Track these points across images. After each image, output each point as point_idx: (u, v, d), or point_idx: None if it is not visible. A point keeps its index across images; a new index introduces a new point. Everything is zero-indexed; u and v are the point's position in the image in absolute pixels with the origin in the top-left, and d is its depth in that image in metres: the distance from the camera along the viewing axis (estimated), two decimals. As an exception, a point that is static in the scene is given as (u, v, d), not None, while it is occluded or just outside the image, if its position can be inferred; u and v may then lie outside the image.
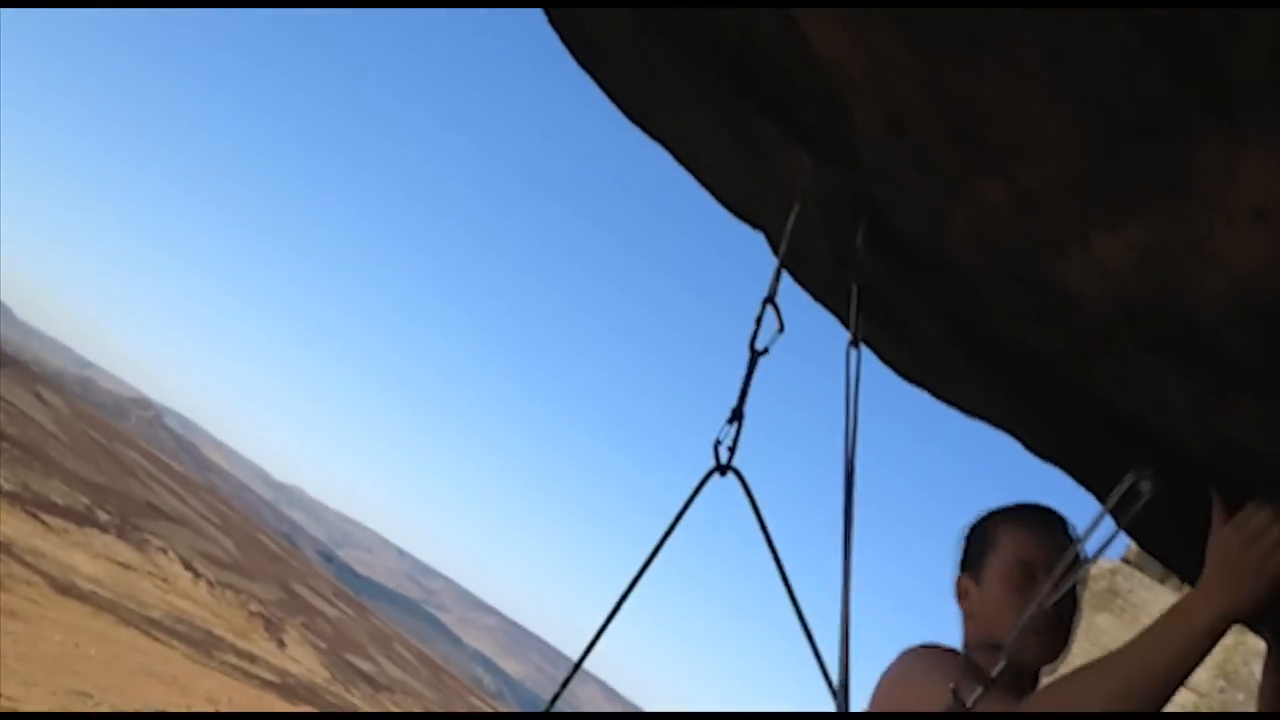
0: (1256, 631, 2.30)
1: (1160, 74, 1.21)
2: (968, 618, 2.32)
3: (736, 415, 2.41)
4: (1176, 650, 1.79)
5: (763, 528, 2.40)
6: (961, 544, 2.41)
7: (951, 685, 1.92)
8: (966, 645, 2.29)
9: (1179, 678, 1.81)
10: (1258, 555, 1.69)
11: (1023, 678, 2.14)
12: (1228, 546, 1.73)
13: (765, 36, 1.93)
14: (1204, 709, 7.27)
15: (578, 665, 2.52)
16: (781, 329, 2.42)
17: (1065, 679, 1.96)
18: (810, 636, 2.27)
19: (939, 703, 1.96)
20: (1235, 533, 1.73)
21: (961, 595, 2.34)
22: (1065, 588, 2.03)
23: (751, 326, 2.43)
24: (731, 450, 2.42)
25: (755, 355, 2.40)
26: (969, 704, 1.89)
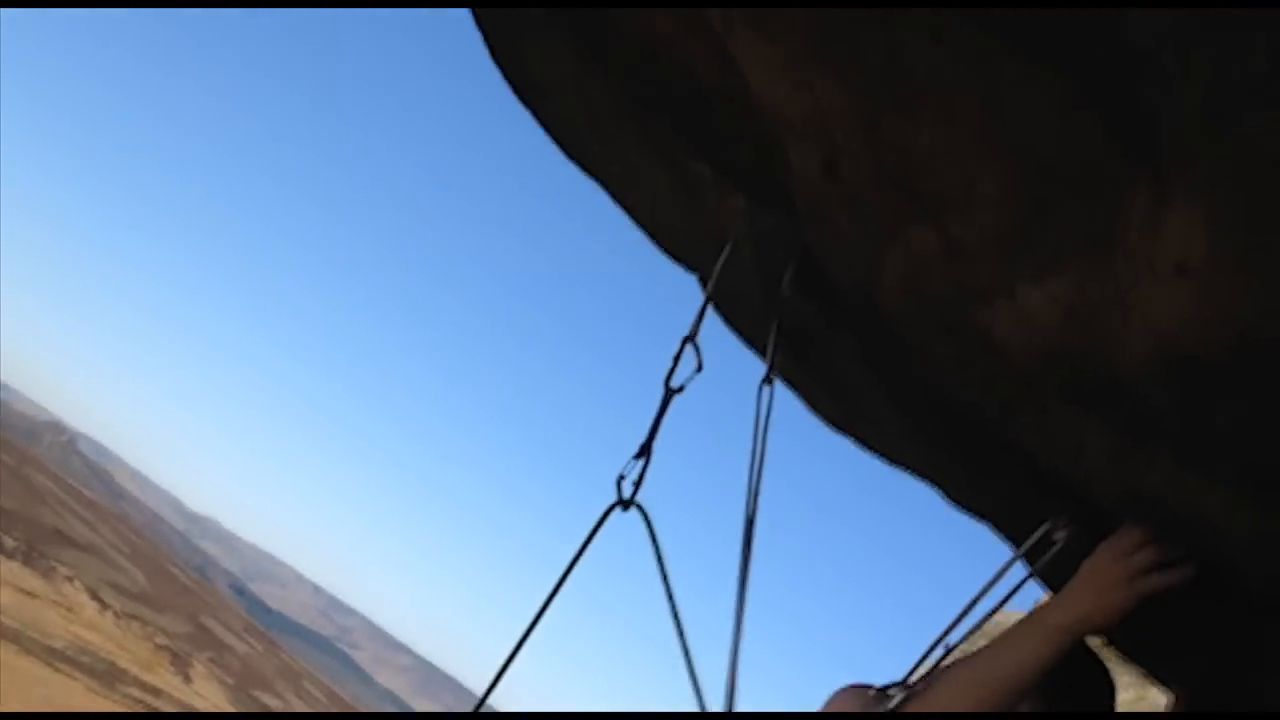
0: (1150, 672, 2.34)
1: (1091, 127, 1.24)
2: None
3: (644, 451, 2.41)
4: (1025, 650, 1.88)
5: (660, 563, 2.40)
6: None
7: None
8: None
9: (1027, 675, 1.88)
10: (1125, 571, 1.77)
11: None
12: (1099, 560, 1.81)
13: (707, 79, 1.94)
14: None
15: (481, 702, 2.49)
16: (700, 368, 2.43)
17: (932, 680, 2.01)
18: (692, 669, 2.27)
19: None
20: (1108, 548, 1.80)
21: None
22: (974, 626, 2.05)
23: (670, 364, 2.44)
24: (636, 486, 2.42)
25: (670, 392, 2.40)
26: None
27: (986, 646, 1.98)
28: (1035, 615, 1.92)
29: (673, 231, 3.01)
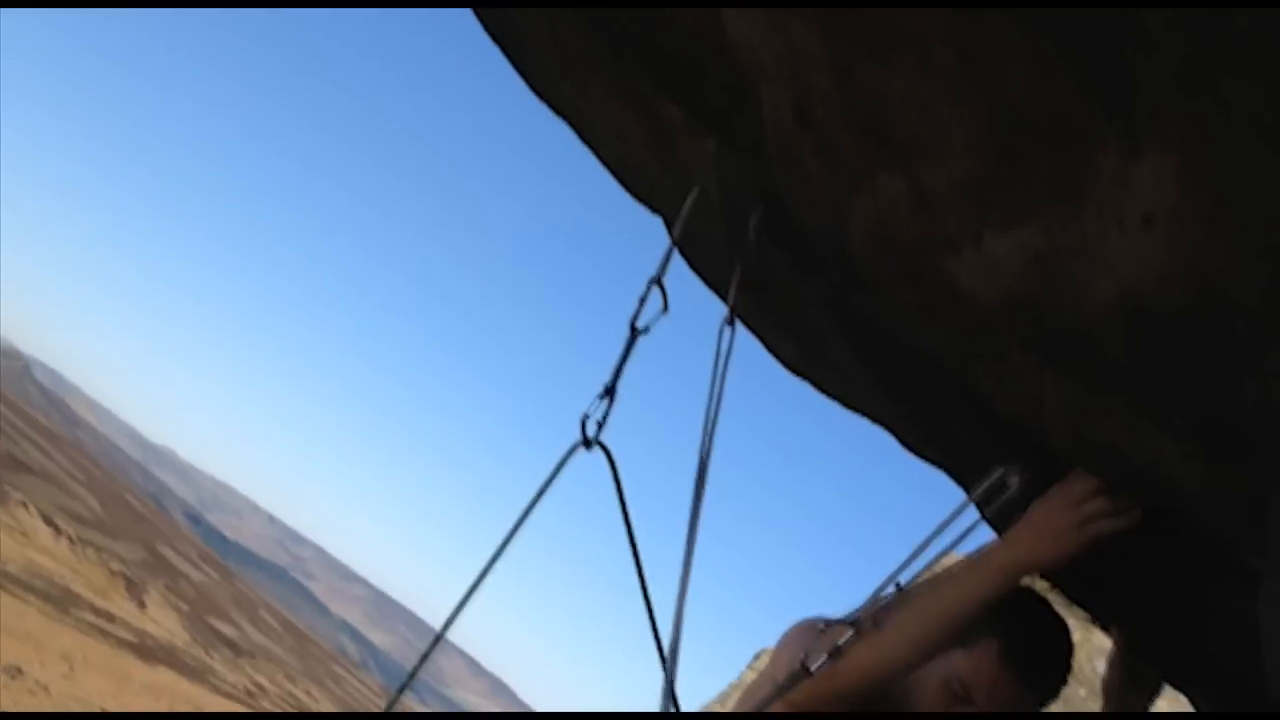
0: (1095, 615, 2.40)
1: (1065, 80, 1.24)
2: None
3: (609, 391, 2.41)
4: (968, 587, 1.98)
5: (622, 504, 2.42)
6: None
7: (803, 654, 2.01)
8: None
9: (969, 611, 1.98)
10: (1076, 517, 1.84)
11: None
12: (1050, 503, 1.89)
13: (682, 19, 1.93)
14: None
15: (439, 637, 2.50)
16: (665, 309, 2.43)
17: (879, 615, 2.08)
18: (650, 608, 2.30)
19: (787, 670, 2.11)
20: (1059, 493, 1.87)
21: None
22: (925, 562, 2.10)
23: (636, 305, 2.44)
24: (600, 425, 2.43)
25: (635, 333, 2.40)
26: (813, 669, 1.99)
27: (932, 582, 2.04)
28: (983, 554, 1.98)
29: (640, 174, 3.01)
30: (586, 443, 2.40)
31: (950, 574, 2.03)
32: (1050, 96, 1.29)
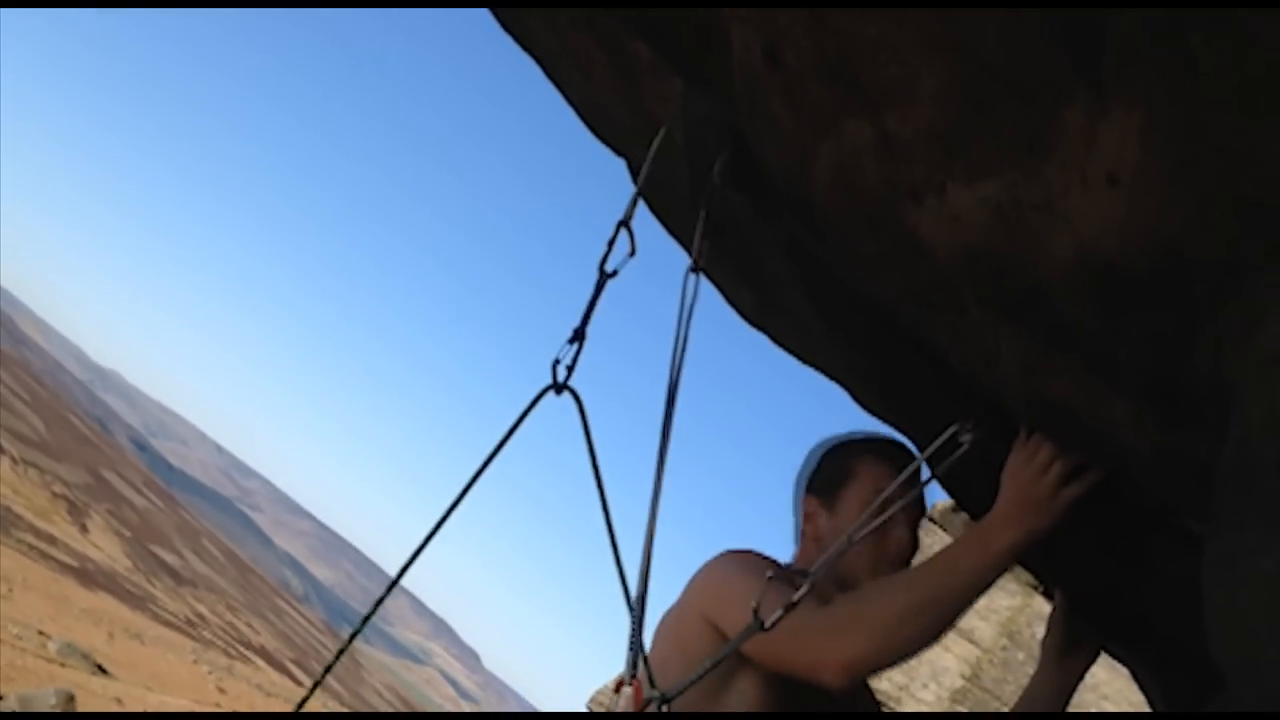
0: (1038, 578, 2.42)
1: (1038, 32, 1.23)
2: (810, 540, 2.42)
3: (578, 335, 2.39)
4: (976, 570, 1.96)
5: (589, 447, 2.39)
6: (813, 465, 2.51)
7: (754, 604, 1.97)
8: (793, 564, 2.37)
9: (975, 595, 1.99)
10: (1047, 488, 1.86)
11: None
12: (1020, 479, 1.89)
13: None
14: (985, 664, 7.62)
15: (395, 581, 2.47)
16: (633, 252, 2.41)
17: (867, 589, 2.05)
18: (616, 552, 2.28)
19: (742, 607, 2.02)
20: (1025, 466, 1.88)
21: (809, 517, 2.44)
22: (877, 523, 2.09)
23: (604, 248, 2.41)
24: (570, 369, 2.40)
25: (604, 276, 2.38)
26: (768, 624, 1.95)
27: (927, 566, 2.03)
28: (980, 539, 1.96)
29: (606, 113, 2.98)
30: (556, 387, 2.37)
31: (950, 558, 2.01)
32: (1022, 49, 1.27)
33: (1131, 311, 1.35)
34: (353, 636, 2.57)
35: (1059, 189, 1.30)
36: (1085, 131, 1.24)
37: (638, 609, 2.07)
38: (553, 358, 2.38)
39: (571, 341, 2.37)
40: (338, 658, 2.55)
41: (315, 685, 2.56)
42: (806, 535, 2.43)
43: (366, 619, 2.53)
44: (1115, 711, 7.00)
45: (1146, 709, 2.68)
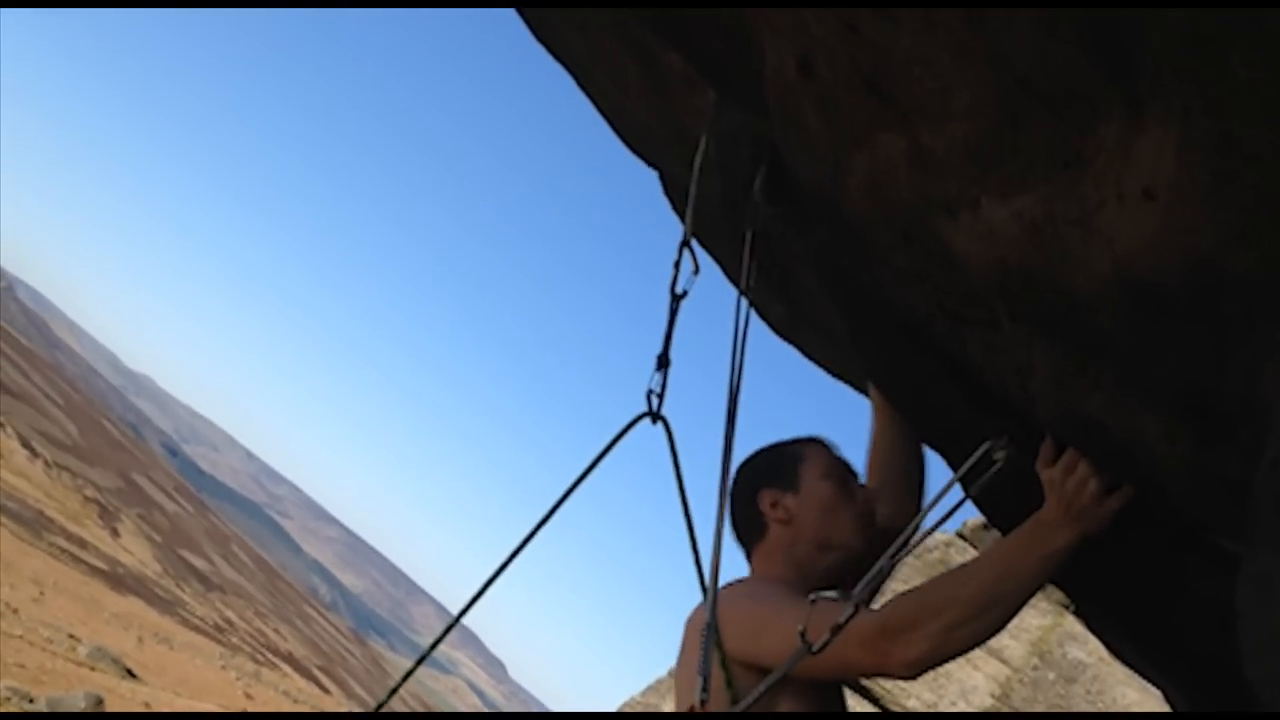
0: (1070, 596, 2.39)
1: (1073, 48, 1.22)
2: (782, 524, 2.41)
3: (663, 361, 2.37)
4: (1037, 569, 1.99)
5: (678, 476, 2.39)
6: (749, 471, 2.49)
7: (799, 627, 1.98)
8: (779, 563, 2.37)
9: (1032, 594, 2.04)
10: (1091, 498, 1.88)
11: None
12: (1065, 490, 1.91)
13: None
14: (1015, 683, 7.56)
15: (459, 616, 2.46)
16: (697, 271, 2.40)
17: (929, 587, 2.09)
18: (703, 578, 2.26)
19: (774, 634, 2.08)
20: (1067, 477, 1.90)
21: (772, 506, 2.42)
22: (913, 544, 2.08)
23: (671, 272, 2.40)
24: (660, 398, 2.39)
25: (676, 300, 2.37)
26: (816, 648, 1.96)
27: (986, 564, 2.06)
28: (1037, 538, 1.98)
29: (638, 124, 2.98)
30: (652, 416, 2.37)
31: (1011, 552, 2.03)
32: (1056, 63, 1.27)
33: (1166, 327, 1.34)
34: (413, 669, 2.56)
35: (1094, 204, 1.29)
36: (1121, 146, 1.24)
37: (709, 634, 2.08)
38: (647, 387, 2.37)
39: (659, 369, 2.36)
40: (400, 685, 2.54)
41: (379, 707, 2.57)
42: (774, 522, 2.42)
43: (422, 658, 2.52)
44: (1128, 712, 6.93)
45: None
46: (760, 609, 2.21)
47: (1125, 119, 1.22)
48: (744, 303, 2.35)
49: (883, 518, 2.48)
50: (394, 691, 2.59)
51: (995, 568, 2.02)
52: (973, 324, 1.70)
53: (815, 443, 2.51)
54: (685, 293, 2.36)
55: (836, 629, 1.96)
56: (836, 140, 1.66)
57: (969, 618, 2.00)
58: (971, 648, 2.06)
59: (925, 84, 1.41)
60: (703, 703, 2.04)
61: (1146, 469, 1.64)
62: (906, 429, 2.65)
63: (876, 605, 2.18)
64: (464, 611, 2.42)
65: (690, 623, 2.34)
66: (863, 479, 2.53)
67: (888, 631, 2.02)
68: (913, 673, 2.04)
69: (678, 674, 2.35)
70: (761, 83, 1.81)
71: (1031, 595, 2.03)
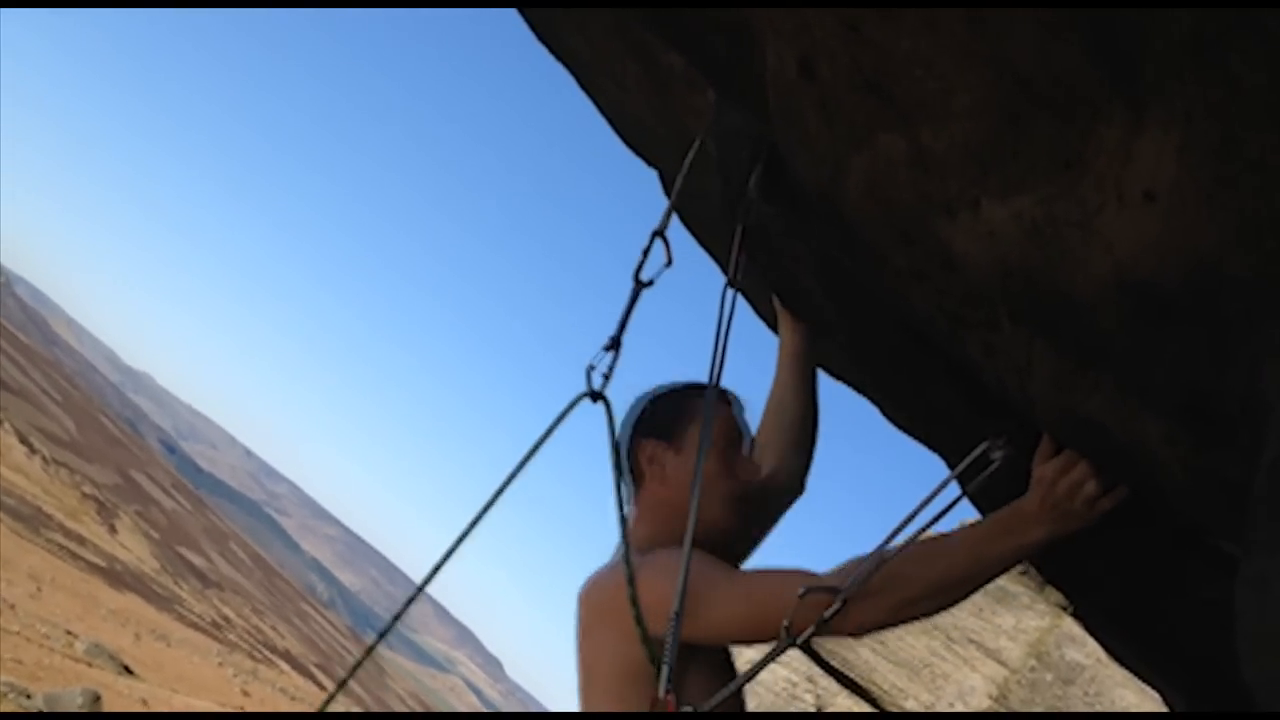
0: (1068, 597, 2.39)
1: (1075, 48, 1.23)
2: (655, 481, 2.41)
3: (614, 343, 2.39)
4: (1002, 559, 2.03)
5: (615, 457, 2.40)
6: (639, 413, 2.49)
7: (786, 623, 2.01)
8: (648, 521, 2.38)
9: (990, 581, 2.08)
10: (1082, 501, 1.90)
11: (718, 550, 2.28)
12: (1056, 490, 1.92)
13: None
14: (1013, 684, 7.57)
15: (420, 588, 2.47)
16: (669, 263, 2.41)
17: (894, 562, 2.05)
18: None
19: (752, 624, 2.11)
20: (1061, 475, 1.91)
21: (652, 459, 2.42)
22: (906, 541, 2.08)
23: (639, 257, 2.41)
24: (606, 378, 2.41)
25: (639, 286, 2.38)
26: (799, 640, 1.99)
27: (955, 545, 2.07)
28: (1011, 529, 2.00)
29: (638, 124, 2.98)
30: (592, 395, 2.37)
31: (985, 538, 2.04)
32: (1058, 64, 1.27)
33: (1166, 329, 1.34)
34: (374, 644, 2.57)
35: (1094, 205, 1.29)
36: (1122, 148, 1.24)
37: (675, 626, 2.07)
38: (587, 364, 2.38)
39: (607, 349, 2.37)
40: (359, 664, 2.55)
41: (339, 687, 2.57)
42: (650, 477, 2.42)
43: (390, 626, 2.53)
44: (1126, 712, 6.94)
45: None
46: (694, 583, 2.21)
47: (1126, 121, 1.22)
48: (729, 296, 2.36)
49: (765, 472, 2.53)
50: (356, 667, 2.58)
51: (967, 553, 2.03)
52: (972, 325, 1.70)
53: (700, 390, 2.46)
54: (651, 282, 2.36)
55: (823, 624, 1.98)
56: (837, 140, 1.66)
57: (930, 595, 2.04)
58: (919, 619, 2.11)
59: (926, 85, 1.41)
60: (667, 693, 2.03)
61: (1145, 471, 1.64)
62: (807, 382, 2.72)
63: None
64: (422, 585, 2.42)
65: (588, 601, 2.31)
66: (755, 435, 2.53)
67: (849, 596, 2.02)
68: (859, 634, 2.07)
69: (585, 663, 2.30)
70: (762, 83, 1.81)
71: (988, 583, 2.08)
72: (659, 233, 2.40)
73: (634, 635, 2.13)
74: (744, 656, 2.40)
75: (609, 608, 2.20)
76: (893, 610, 2.04)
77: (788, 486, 2.67)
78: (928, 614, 2.09)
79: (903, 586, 2.02)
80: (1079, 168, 1.30)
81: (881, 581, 2.02)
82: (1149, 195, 1.22)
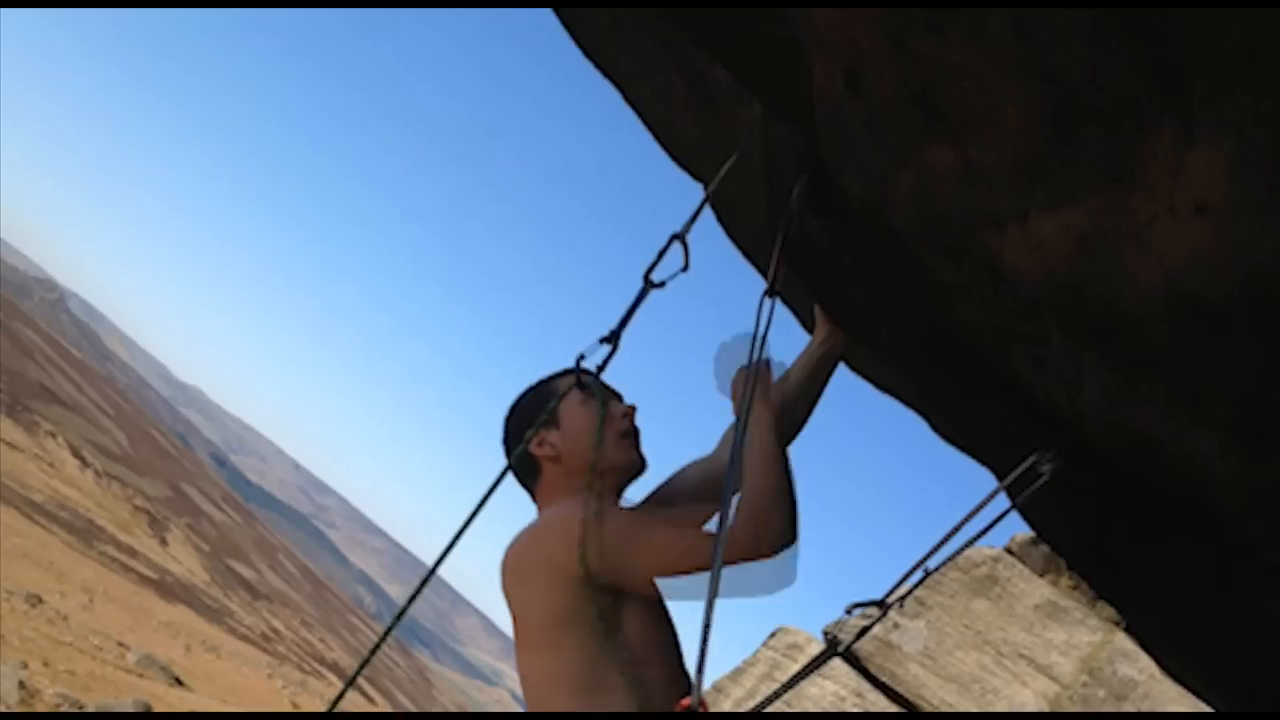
0: (1120, 612, 2.37)
1: (1125, 61, 1.22)
2: (552, 461, 2.49)
3: (612, 338, 2.41)
4: (759, 427, 2.30)
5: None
6: (517, 416, 2.58)
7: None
8: (559, 497, 2.47)
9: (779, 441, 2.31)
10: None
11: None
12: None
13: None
14: (1064, 700, 7.48)
15: (432, 571, 2.50)
16: (686, 268, 2.41)
17: (747, 490, 2.24)
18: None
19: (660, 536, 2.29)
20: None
21: (539, 445, 2.49)
22: (953, 553, 2.08)
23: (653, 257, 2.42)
24: (599, 371, 2.45)
25: (648, 285, 2.38)
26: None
27: (750, 436, 2.27)
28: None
29: (683, 137, 2.99)
30: (579, 381, 2.42)
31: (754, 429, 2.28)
32: (1107, 76, 1.26)
33: (1219, 343, 1.33)
34: (385, 633, 2.57)
35: (1145, 217, 1.29)
36: (1173, 160, 1.23)
37: (703, 634, 2.08)
38: (578, 353, 2.41)
39: (604, 342, 2.39)
40: (371, 654, 2.56)
41: (349, 683, 2.58)
42: (544, 460, 2.49)
43: (408, 604, 2.55)
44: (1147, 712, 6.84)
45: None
46: (618, 525, 2.30)
47: (1176, 132, 1.21)
48: (767, 305, 2.37)
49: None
50: (367, 659, 2.60)
51: (758, 438, 2.28)
52: (1021, 338, 1.69)
53: (570, 374, 2.55)
54: (663, 283, 2.38)
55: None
56: (883, 154, 1.66)
57: (773, 489, 2.23)
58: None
59: (974, 97, 1.41)
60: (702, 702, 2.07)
61: (1197, 484, 1.62)
62: (816, 386, 2.81)
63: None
64: (434, 568, 2.45)
65: (515, 561, 2.39)
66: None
67: (748, 519, 2.18)
68: (782, 541, 2.19)
69: (518, 619, 2.38)
70: (808, 97, 1.82)
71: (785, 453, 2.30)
72: (679, 236, 2.40)
73: (560, 583, 2.24)
74: (786, 670, 2.42)
75: (535, 560, 2.32)
76: (779, 508, 2.21)
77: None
78: (788, 495, 2.23)
79: (766, 494, 2.22)
80: (1129, 180, 1.29)
81: (753, 501, 2.21)
82: (1200, 207, 1.21)
